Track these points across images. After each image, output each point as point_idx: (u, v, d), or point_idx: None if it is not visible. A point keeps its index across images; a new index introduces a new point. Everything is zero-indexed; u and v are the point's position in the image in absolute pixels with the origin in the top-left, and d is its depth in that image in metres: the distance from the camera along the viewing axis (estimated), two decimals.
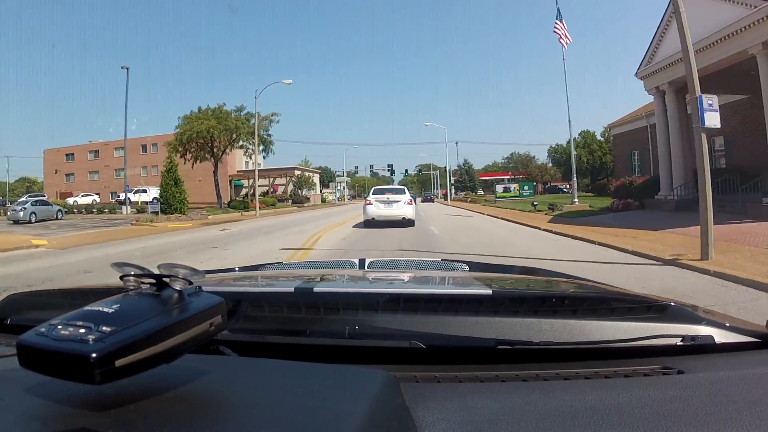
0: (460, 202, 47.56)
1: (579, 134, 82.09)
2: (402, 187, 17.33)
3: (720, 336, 0.85)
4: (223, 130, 31.27)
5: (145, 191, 47.07)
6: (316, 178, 66.38)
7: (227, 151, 33.64)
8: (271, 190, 53.86)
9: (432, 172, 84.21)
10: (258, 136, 31.13)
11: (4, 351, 0.76)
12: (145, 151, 54.75)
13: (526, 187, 40.41)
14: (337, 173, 76.53)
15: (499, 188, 41.02)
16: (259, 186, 53.31)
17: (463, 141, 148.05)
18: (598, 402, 0.62)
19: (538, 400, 0.63)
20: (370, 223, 14.31)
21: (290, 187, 54.82)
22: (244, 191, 53.30)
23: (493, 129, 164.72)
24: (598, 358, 0.81)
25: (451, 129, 47.38)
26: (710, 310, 1.00)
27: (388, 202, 14.38)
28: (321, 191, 68.24)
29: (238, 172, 55.92)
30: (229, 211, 30.86)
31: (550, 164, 69.50)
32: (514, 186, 41.21)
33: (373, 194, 15.07)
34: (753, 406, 0.62)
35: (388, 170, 67.40)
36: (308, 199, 53.32)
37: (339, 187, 74.83)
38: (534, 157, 71.29)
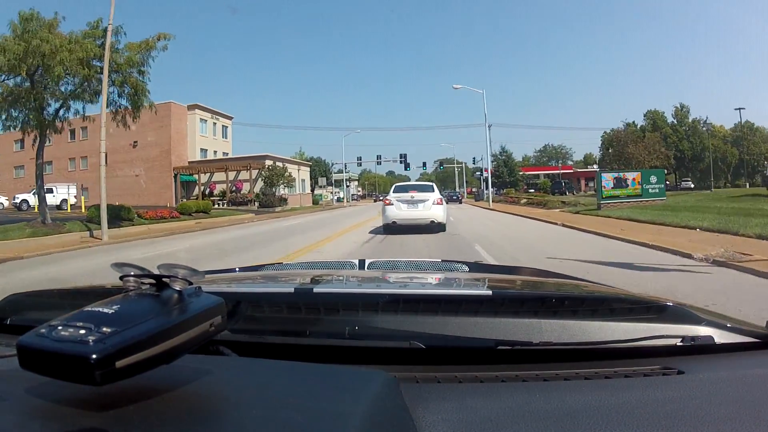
0: (505, 204, 31.76)
1: (644, 116, 63.66)
2: (430, 183, 13.74)
3: (720, 336, 0.85)
4: (22, 57, 13.02)
5: (51, 191, 30.46)
6: (305, 173, 49.87)
7: (68, 105, 14.87)
8: (233, 187, 37.89)
9: (456, 165, 68.41)
10: (108, 67, 13.44)
11: (4, 351, 0.76)
12: (74, 138, 39.21)
13: (653, 179, 20.49)
14: (336, 165, 60.25)
15: (606, 180, 20.06)
16: (220, 182, 38.09)
17: (498, 124, 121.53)
18: (598, 402, 0.62)
19: (538, 401, 0.63)
20: (391, 228, 11.78)
21: (260, 183, 36.80)
22: (197, 189, 37.75)
23: (524, 116, 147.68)
24: (597, 358, 0.81)
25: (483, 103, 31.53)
26: (710, 311, 0.98)
27: (413, 202, 11.78)
28: (312, 190, 52.15)
29: (190, 163, 38.59)
30: (61, 230, 14.26)
31: (598, 155, 51.66)
32: (632, 177, 20.28)
33: (394, 192, 12.38)
34: (753, 406, 0.62)
35: (401, 161, 50.20)
36: (285, 200, 37.07)
37: (345, 186, 58.85)
38: (621, 131, 50.94)
